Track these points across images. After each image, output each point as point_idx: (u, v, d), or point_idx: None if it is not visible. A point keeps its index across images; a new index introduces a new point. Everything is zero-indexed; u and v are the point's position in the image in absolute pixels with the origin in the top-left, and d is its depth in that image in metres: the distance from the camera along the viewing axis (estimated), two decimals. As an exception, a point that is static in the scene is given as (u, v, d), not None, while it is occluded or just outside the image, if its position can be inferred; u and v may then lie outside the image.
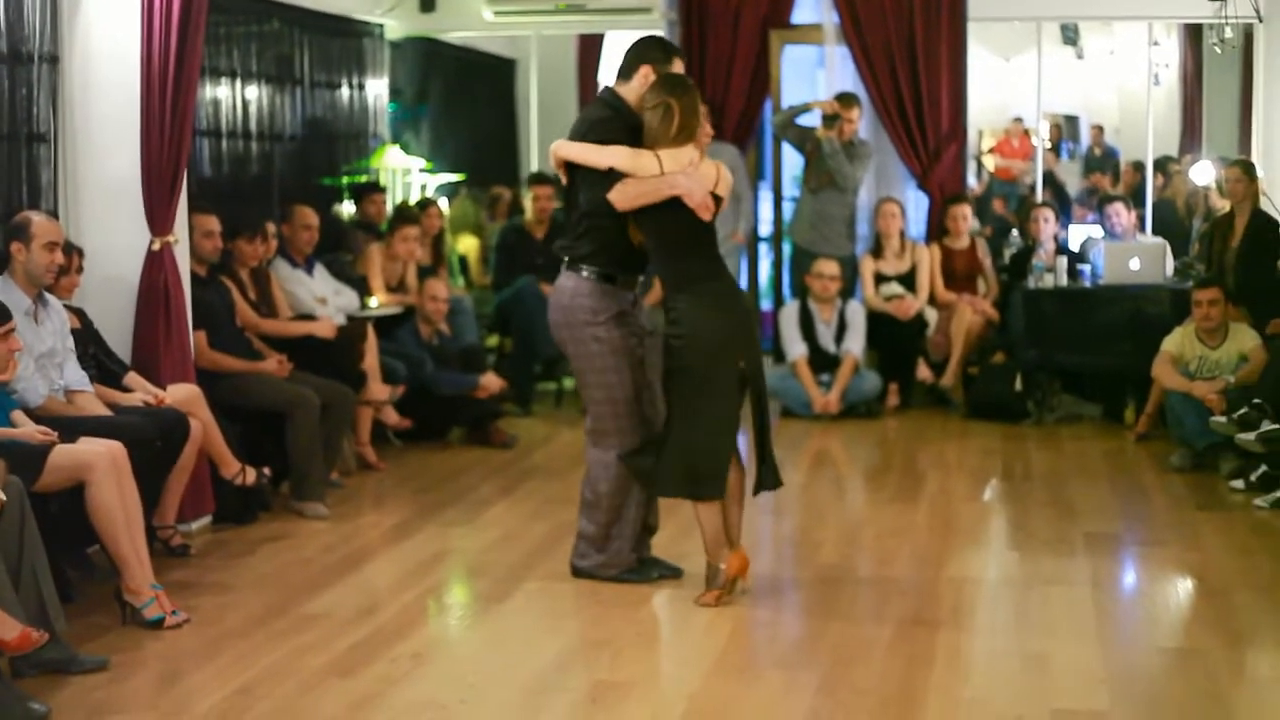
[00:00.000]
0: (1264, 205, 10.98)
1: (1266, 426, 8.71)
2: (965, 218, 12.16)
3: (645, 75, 7.04)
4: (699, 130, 6.96)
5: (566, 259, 7.16)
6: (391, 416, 10.16)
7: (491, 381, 10.68)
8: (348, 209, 12.26)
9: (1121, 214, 12.14)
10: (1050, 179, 14.55)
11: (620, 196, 6.83)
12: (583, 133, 7.08)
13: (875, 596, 7.17)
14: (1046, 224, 11.99)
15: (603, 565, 7.29)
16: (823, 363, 11.55)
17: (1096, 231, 12.35)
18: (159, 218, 8.06)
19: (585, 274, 7.03)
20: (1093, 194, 15.05)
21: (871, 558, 7.86)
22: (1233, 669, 6.17)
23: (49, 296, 7.34)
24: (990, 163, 16.55)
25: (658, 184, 6.78)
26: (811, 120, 12.24)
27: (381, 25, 12.96)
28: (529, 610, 6.98)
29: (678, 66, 7.12)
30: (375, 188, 12.07)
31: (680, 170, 6.80)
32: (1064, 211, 13.22)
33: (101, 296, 8.10)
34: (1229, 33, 12.12)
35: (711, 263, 6.99)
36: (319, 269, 10.21)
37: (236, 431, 8.46)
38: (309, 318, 9.68)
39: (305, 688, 5.95)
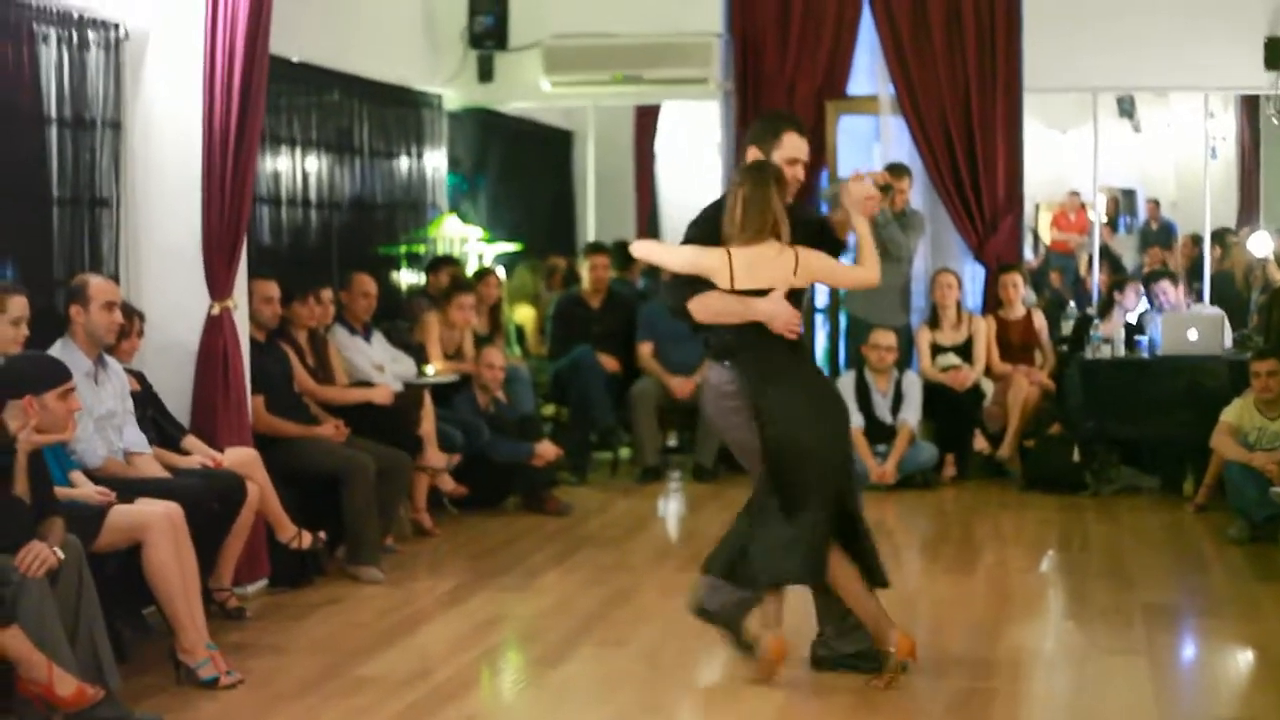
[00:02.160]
0: (1322, 276, 10.94)
1: (1325, 497, 8.66)
2: (1017, 286, 12.13)
3: (751, 158, 6.84)
4: (775, 224, 6.61)
5: (710, 352, 6.97)
6: (448, 483, 10.17)
7: (547, 450, 10.69)
8: (407, 277, 12.33)
9: (1169, 291, 12.13)
10: (1106, 252, 14.51)
11: (701, 310, 6.67)
12: (690, 225, 6.90)
13: (930, 666, 7.09)
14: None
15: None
16: (879, 433, 11.51)
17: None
18: (219, 283, 8.13)
19: (726, 364, 6.78)
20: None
21: (927, 627, 7.81)
22: (1293, 740, 6.12)
23: (109, 359, 7.41)
24: (1047, 236, 16.53)
25: (740, 308, 6.58)
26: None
27: (440, 96, 13.07)
28: (582, 675, 6.97)
29: (787, 145, 6.82)
30: (449, 260, 12.13)
31: (753, 270, 6.57)
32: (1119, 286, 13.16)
33: (161, 360, 8.16)
34: (1286, 103, 12.15)
35: (790, 359, 6.72)
36: (377, 336, 10.27)
37: (293, 496, 8.47)
38: (366, 384, 9.73)
39: (358, 750, 5.95)
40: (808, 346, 7.00)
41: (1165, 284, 12.23)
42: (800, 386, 6.72)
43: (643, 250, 7.05)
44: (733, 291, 6.61)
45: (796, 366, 6.75)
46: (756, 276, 6.60)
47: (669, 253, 6.88)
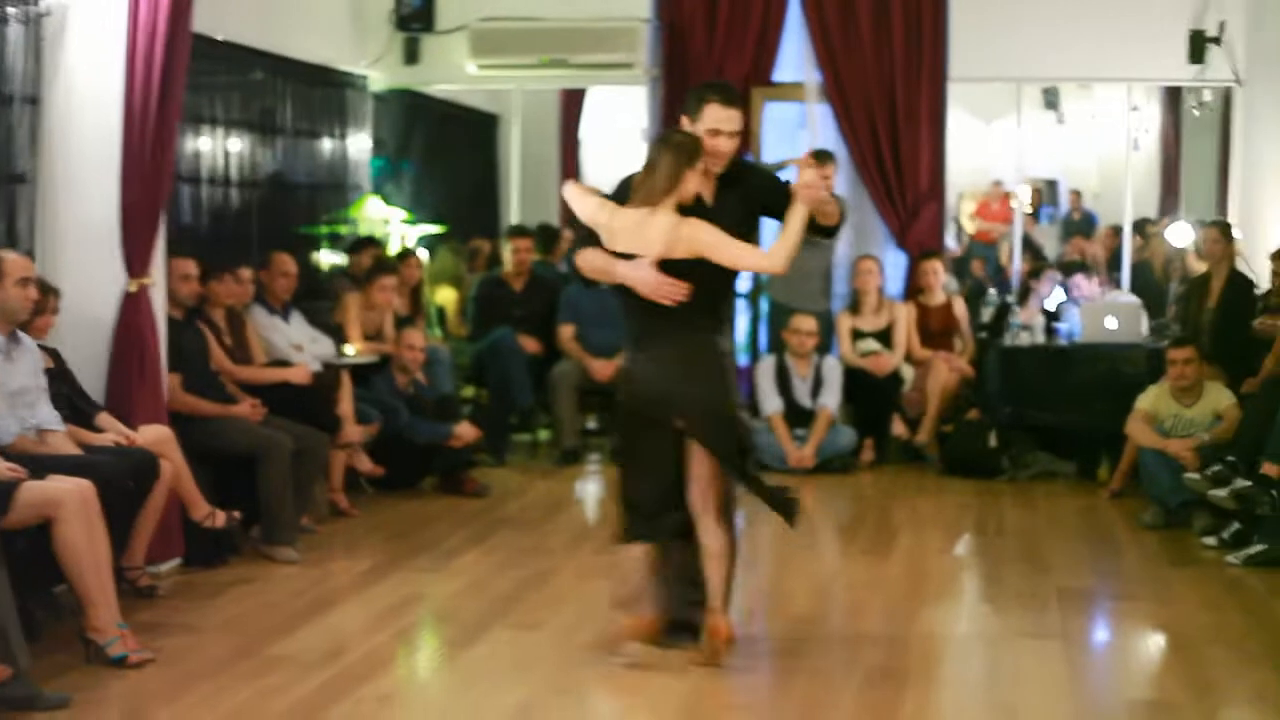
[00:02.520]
0: (1240, 266, 11.04)
1: (1239, 484, 8.73)
2: (937, 273, 12.19)
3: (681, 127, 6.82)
4: (669, 193, 6.56)
5: None
6: (365, 463, 10.13)
7: (466, 431, 10.67)
8: (328, 258, 12.27)
9: (1083, 284, 12.23)
10: (1028, 242, 14.61)
11: (582, 263, 6.81)
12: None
13: (845, 648, 7.13)
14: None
15: None
16: (798, 418, 11.55)
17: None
18: (136, 260, 8.07)
19: None
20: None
21: (842, 610, 7.84)
22: (1201, 722, 6.17)
23: (22, 335, 7.32)
24: (970, 225, 16.62)
25: (607, 268, 6.65)
26: (787, 177, 12.24)
27: (365, 77, 13.02)
28: (496, 656, 6.95)
29: (708, 116, 6.69)
30: (371, 241, 12.08)
31: (632, 233, 6.59)
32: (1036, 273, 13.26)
33: (76, 337, 8.07)
34: (1207, 96, 12.28)
35: (662, 324, 6.61)
36: (296, 316, 10.21)
37: (208, 475, 8.44)
38: (284, 364, 9.68)
39: (269, 728, 5.92)
40: (706, 316, 6.70)
41: (1079, 277, 12.34)
42: (669, 350, 6.65)
43: (569, 191, 7.01)
44: (612, 252, 6.64)
45: (671, 332, 6.63)
46: (633, 241, 6.58)
47: (581, 200, 6.85)
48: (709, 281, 6.62)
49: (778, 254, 6.64)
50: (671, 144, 6.69)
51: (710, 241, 6.57)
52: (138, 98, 7.92)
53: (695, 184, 6.66)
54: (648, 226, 6.58)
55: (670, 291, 6.51)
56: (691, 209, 6.65)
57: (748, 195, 6.86)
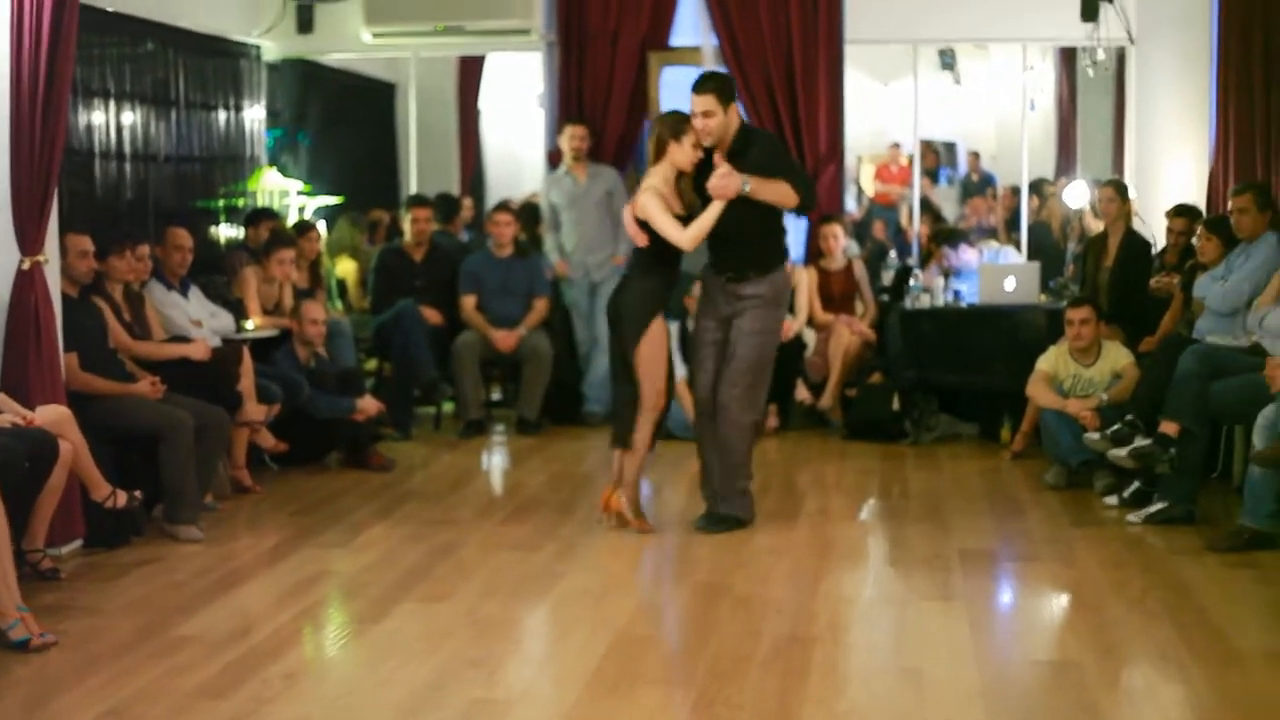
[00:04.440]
0: (1136, 225, 11.14)
1: (1139, 443, 8.83)
2: (837, 237, 12.23)
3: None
4: (650, 161, 8.45)
5: None
6: (267, 439, 10.05)
7: (369, 404, 10.61)
8: (226, 231, 12.15)
9: (961, 254, 12.32)
10: (927, 204, 14.67)
11: None
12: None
13: (752, 613, 7.15)
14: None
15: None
16: (702, 384, 11.55)
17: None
18: (29, 237, 7.94)
19: None
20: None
21: (749, 576, 7.85)
22: (1106, 681, 6.21)
23: (-86, 316, 7.22)
24: (869, 188, 16.67)
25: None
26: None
27: (258, 46, 12.90)
28: (405, 630, 6.92)
29: (690, 102, 8.41)
30: (269, 213, 11.96)
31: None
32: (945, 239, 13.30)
33: (-31, 316, 7.96)
34: (1101, 55, 12.38)
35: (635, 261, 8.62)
36: (194, 291, 10.11)
37: (108, 454, 8.34)
38: (184, 340, 9.58)
39: (176, 710, 5.86)
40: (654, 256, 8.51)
41: (963, 247, 12.45)
42: (626, 276, 8.69)
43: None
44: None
45: (633, 261, 8.68)
46: None
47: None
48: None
49: (688, 234, 8.30)
50: (660, 120, 8.55)
51: (648, 209, 8.30)
52: (25, 70, 7.77)
53: (685, 155, 8.34)
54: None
55: (633, 233, 8.46)
56: (700, 173, 8.39)
57: (745, 165, 8.35)
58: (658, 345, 8.55)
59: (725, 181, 8.24)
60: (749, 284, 8.62)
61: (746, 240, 8.54)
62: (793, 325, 11.89)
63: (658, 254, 8.44)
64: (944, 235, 12.76)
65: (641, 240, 8.38)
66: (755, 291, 8.62)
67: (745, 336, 8.63)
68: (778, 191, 8.36)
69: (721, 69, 12.60)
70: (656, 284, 8.52)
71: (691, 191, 8.47)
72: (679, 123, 8.35)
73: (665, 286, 8.60)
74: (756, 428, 8.95)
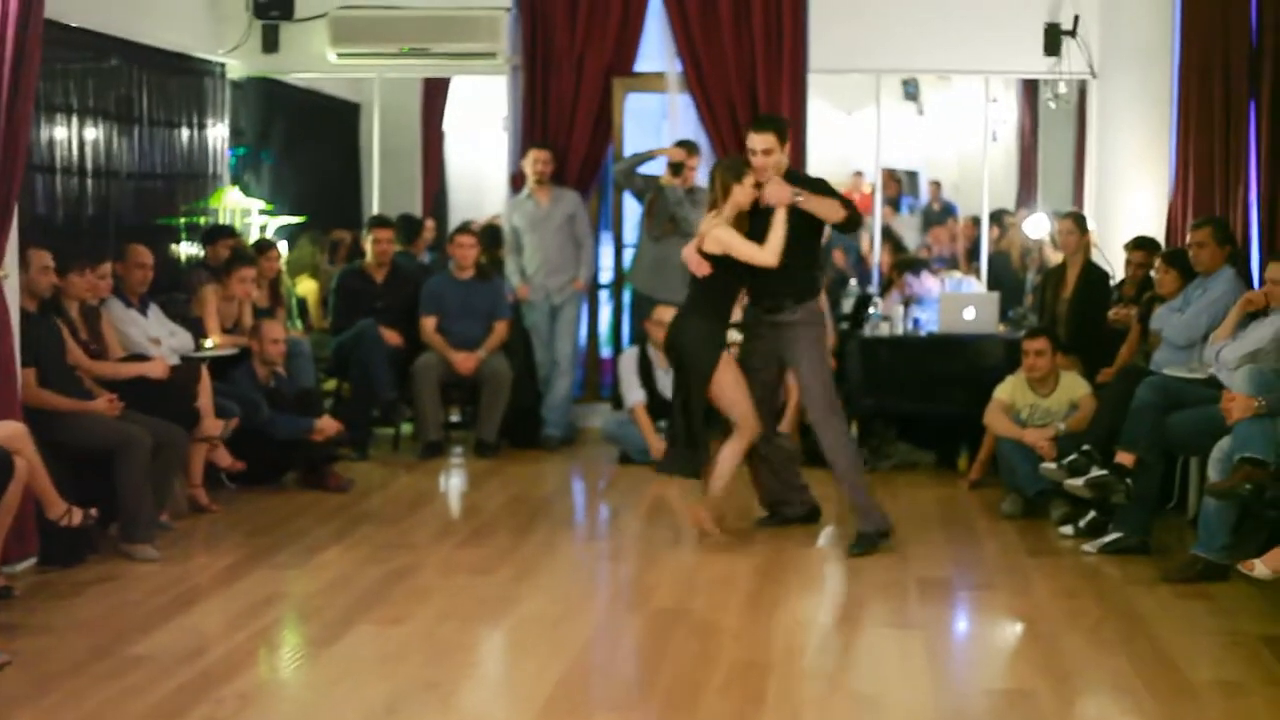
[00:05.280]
0: (1095, 257, 11.21)
1: (1095, 473, 8.86)
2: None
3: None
4: (713, 202, 8.96)
5: None
6: (225, 458, 10.02)
7: (328, 425, 10.59)
8: (187, 249, 12.12)
9: (923, 282, 12.37)
10: (889, 233, 14.70)
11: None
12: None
13: (708, 639, 7.16)
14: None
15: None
16: (661, 409, 11.52)
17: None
18: (-12, 252, 7.92)
19: None
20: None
21: (706, 601, 7.86)
22: (1059, 710, 6.24)
23: None
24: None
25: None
26: (654, 168, 12.28)
27: (223, 65, 12.87)
28: (360, 653, 6.90)
29: (749, 141, 9.02)
30: (228, 231, 11.92)
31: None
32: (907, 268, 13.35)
33: (-74, 331, 7.92)
34: (1063, 88, 12.47)
35: (695, 289, 9.09)
36: (154, 309, 10.08)
37: (64, 471, 8.26)
38: (142, 358, 9.54)
39: (128, 730, 5.85)
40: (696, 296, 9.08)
41: (925, 275, 12.50)
42: (685, 315, 9.13)
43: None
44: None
45: (692, 301, 9.12)
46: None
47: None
48: (729, 270, 8.93)
49: (768, 249, 8.76)
50: (720, 165, 9.21)
51: (727, 241, 8.82)
52: (-12, 84, 7.76)
53: (746, 194, 8.85)
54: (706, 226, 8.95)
55: (698, 270, 8.93)
56: (755, 213, 8.88)
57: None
58: (731, 377, 9.03)
59: (778, 188, 8.80)
60: (785, 313, 9.06)
61: (783, 271, 8.87)
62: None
63: (720, 287, 8.98)
64: (905, 264, 12.81)
65: (705, 269, 8.88)
66: (792, 319, 9.08)
67: (802, 363, 9.12)
68: (825, 205, 8.87)
69: (685, 95, 12.69)
70: (714, 326, 9.02)
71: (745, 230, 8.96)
72: (739, 165, 8.96)
73: (722, 325, 9.11)
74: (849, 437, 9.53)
